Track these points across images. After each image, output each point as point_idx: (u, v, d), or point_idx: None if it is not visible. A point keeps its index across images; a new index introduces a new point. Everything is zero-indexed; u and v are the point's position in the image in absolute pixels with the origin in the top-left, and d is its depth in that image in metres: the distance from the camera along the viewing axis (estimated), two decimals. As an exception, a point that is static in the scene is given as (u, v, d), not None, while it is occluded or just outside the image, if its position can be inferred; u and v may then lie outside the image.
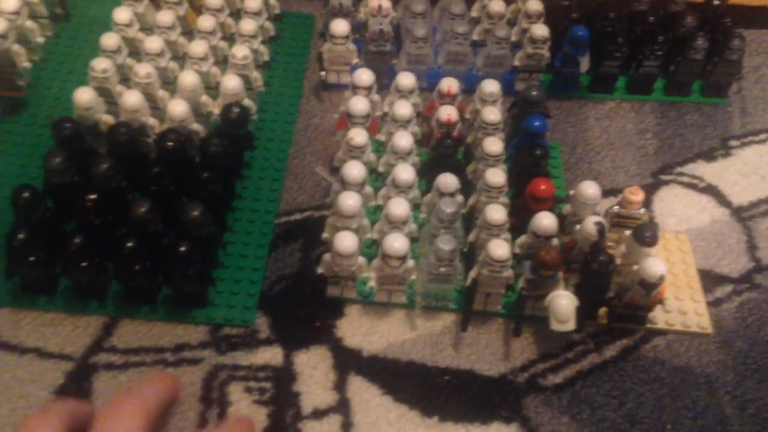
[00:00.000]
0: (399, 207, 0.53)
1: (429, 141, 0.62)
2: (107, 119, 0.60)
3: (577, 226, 0.55)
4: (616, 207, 0.56)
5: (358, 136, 0.58)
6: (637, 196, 0.55)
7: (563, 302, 0.52)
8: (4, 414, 0.48)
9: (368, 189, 0.58)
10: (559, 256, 0.52)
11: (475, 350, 0.54)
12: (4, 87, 0.62)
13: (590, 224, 0.53)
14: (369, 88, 0.62)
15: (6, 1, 0.63)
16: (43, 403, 0.44)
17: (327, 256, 0.53)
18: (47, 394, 0.49)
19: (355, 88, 0.62)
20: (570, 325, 0.52)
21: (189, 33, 0.68)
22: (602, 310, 0.55)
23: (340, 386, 0.51)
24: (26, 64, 0.65)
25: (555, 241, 0.54)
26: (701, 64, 0.70)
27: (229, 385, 0.51)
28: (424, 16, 0.69)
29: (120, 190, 0.54)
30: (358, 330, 0.55)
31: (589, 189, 0.55)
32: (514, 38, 0.70)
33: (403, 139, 0.58)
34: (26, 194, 0.51)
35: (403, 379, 0.52)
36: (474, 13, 0.73)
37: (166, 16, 0.65)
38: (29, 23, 0.66)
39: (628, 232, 0.56)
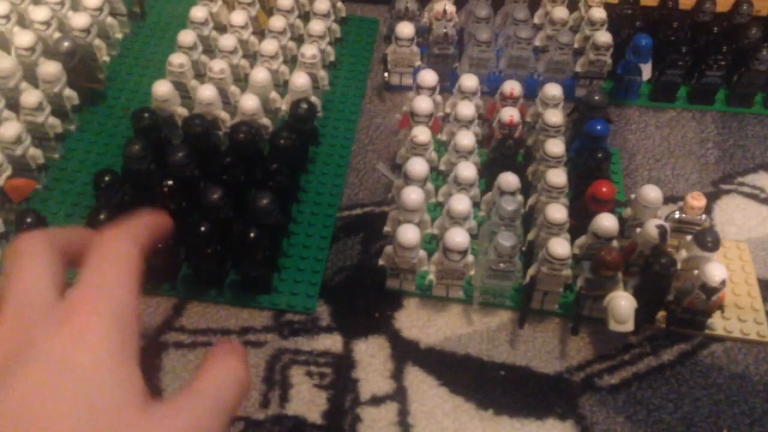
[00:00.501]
0: (461, 203, 0.55)
1: (490, 142, 0.63)
2: (182, 111, 0.62)
3: (638, 230, 0.55)
4: (678, 212, 0.57)
5: (422, 133, 0.59)
6: (700, 201, 0.56)
7: (622, 303, 0.52)
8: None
9: (430, 186, 0.59)
10: (620, 256, 0.52)
11: (532, 347, 0.55)
12: (86, 79, 0.65)
13: (652, 227, 0.53)
14: (432, 89, 0.63)
15: (90, -1, 0.67)
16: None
17: (389, 249, 0.55)
18: (120, 367, 0.51)
19: (419, 89, 0.63)
20: (628, 327, 0.52)
21: (259, 33, 0.70)
22: (661, 314, 0.55)
23: (397, 375, 0.53)
24: (106, 58, 0.69)
25: (615, 244, 0.55)
26: (765, 75, 0.70)
27: (291, 368, 0.52)
28: (488, 21, 0.71)
29: (193, 178, 0.56)
30: (416, 322, 0.56)
31: (651, 192, 0.56)
32: (576, 45, 0.70)
33: (466, 138, 0.59)
34: (107, 177, 0.53)
35: (460, 372, 0.53)
36: (536, 20, 0.75)
37: (239, 16, 0.67)
38: (110, 20, 0.69)
39: (688, 238, 0.56)
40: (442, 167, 0.62)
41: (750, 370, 0.55)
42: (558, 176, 0.57)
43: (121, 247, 0.34)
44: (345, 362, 0.53)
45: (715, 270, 0.51)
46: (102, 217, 0.51)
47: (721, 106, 0.73)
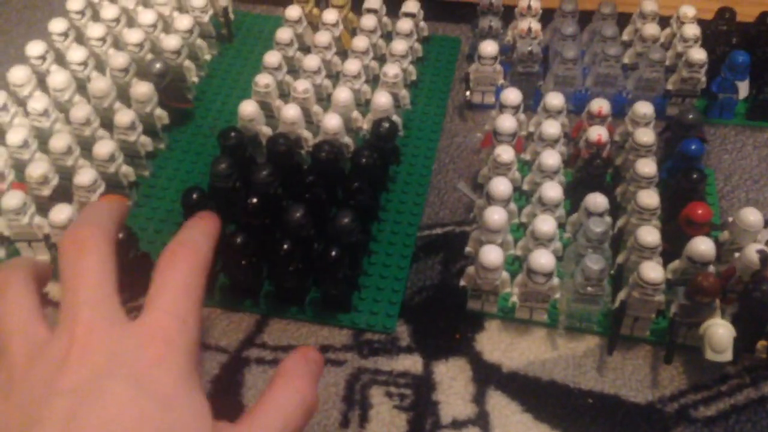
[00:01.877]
0: (546, 224, 0.53)
1: (575, 162, 0.62)
2: (266, 131, 0.63)
3: (736, 254, 0.52)
4: (780, 237, 0.53)
5: (505, 152, 0.58)
6: (804, 225, 0.52)
7: (720, 331, 0.49)
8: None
9: (513, 206, 0.58)
10: (718, 282, 0.49)
11: (621, 375, 0.52)
12: (175, 99, 0.67)
13: (752, 252, 0.50)
14: (516, 108, 0.62)
15: (181, 21, 0.69)
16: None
17: (471, 269, 0.54)
18: (205, 382, 0.52)
19: (502, 107, 0.62)
20: (727, 356, 0.49)
21: (342, 52, 0.71)
22: (761, 344, 0.52)
23: (479, 399, 0.51)
24: (195, 79, 0.71)
25: (711, 269, 0.52)
26: None
27: (371, 389, 0.52)
28: (574, 39, 0.69)
29: (276, 196, 0.57)
30: (498, 345, 0.54)
31: (751, 216, 0.53)
32: (667, 62, 0.68)
33: (551, 158, 0.57)
34: (195, 195, 0.54)
35: (544, 399, 0.51)
36: (625, 37, 0.72)
37: (323, 37, 0.68)
38: (199, 42, 0.71)
39: (792, 264, 0.52)
40: (525, 187, 0.61)
41: None
42: (650, 197, 0.54)
43: (187, 273, 0.36)
44: (425, 384, 0.52)
45: (822, 299, 0.48)
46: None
47: (822, 124, 0.69)
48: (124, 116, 0.60)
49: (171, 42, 0.66)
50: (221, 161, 0.56)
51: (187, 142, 0.68)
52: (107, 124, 0.62)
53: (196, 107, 0.70)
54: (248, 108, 0.61)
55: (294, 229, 0.54)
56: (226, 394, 0.51)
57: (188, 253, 0.37)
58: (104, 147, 0.57)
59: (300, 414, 0.35)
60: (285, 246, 0.52)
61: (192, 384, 0.33)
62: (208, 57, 0.73)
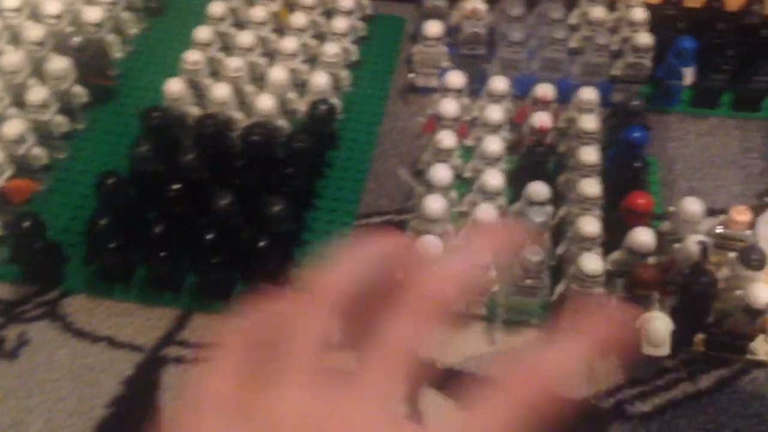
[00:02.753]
0: (486, 213, 0.51)
1: (519, 148, 0.60)
2: (195, 111, 0.60)
3: (677, 245, 0.51)
4: (720, 227, 0.53)
5: (447, 138, 0.56)
6: (744, 216, 0.51)
7: (658, 324, 0.48)
8: (72, 402, 0.48)
9: (453, 194, 0.56)
10: (657, 274, 0.48)
11: (559, 370, 0.51)
12: (96, 75, 0.63)
13: (692, 243, 0.49)
14: (460, 91, 0.60)
15: (104, -8, 0.65)
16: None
17: (407, 261, 0.51)
18: (116, 384, 0.49)
19: (445, 91, 0.60)
20: (664, 350, 0.48)
21: (280, 29, 0.68)
22: (699, 337, 0.51)
23: (412, 398, 0.49)
24: (119, 54, 0.66)
25: (651, 260, 0.51)
26: (817, 81, 0.65)
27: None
28: (520, 21, 0.67)
29: (202, 182, 0.53)
30: (434, 340, 0.52)
31: (692, 206, 0.52)
32: (614, 47, 0.66)
33: (493, 144, 0.55)
34: (111, 180, 0.51)
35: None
36: (572, 20, 0.71)
37: (259, 12, 0.65)
38: (125, 14, 0.67)
39: (731, 255, 0.52)
40: (467, 174, 0.59)
41: (797, 400, 0.50)
42: (591, 186, 0.53)
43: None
44: (358, 381, 0.50)
45: (761, 291, 0.47)
46: (102, 222, 0.49)
47: (767, 113, 0.68)
48: (36, 93, 0.55)
49: (92, 14, 0.62)
50: (142, 143, 0.53)
51: (109, 123, 0.64)
52: (21, 102, 0.57)
53: (120, 85, 0.66)
54: (174, 86, 0.58)
55: (220, 218, 0.51)
56: (140, 397, 0.48)
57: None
58: (13, 127, 0.53)
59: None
60: (209, 236, 0.49)
61: None
62: (134, 31, 0.69)
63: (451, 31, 0.69)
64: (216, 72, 0.63)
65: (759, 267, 0.49)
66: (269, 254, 0.50)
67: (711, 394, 0.50)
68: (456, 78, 0.59)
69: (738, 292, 0.49)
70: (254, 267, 0.50)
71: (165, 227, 0.49)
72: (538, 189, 0.53)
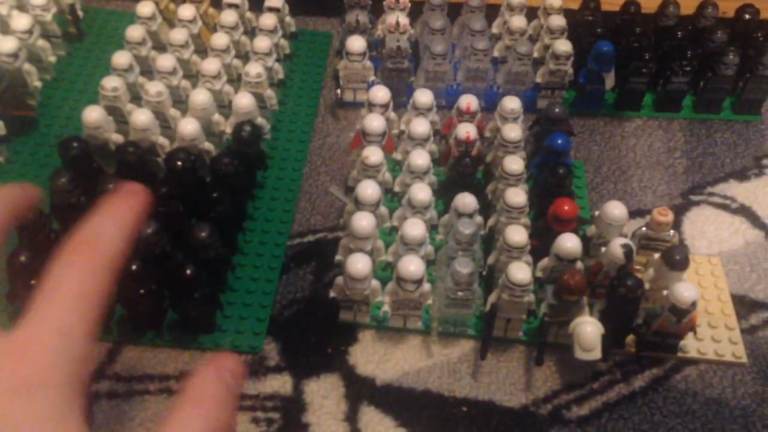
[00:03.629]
0: (415, 228, 0.51)
1: (447, 160, 0.60)
2: (117, 138, 0.58)
3: (603, 249, 0.52)
4: (644, 228, 0.54)
5: (373, 154, 0.56)
6: (667, 216, 0.53)
7: (588, 329, 0.49)
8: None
9: (383, 209, 0.55)
10: (584, 280, 0.49)
11: (495, 379, 0.51)
12: (15, 107, 0.61)
13: (617, 247, 0.50)
14: (385, 106, 0.60)
15: (18, 20, 0.63)
16: None
17: (340, 280, 0.51)
18: (46, 422, 0.47)
19: (371, 106, 0.60)
20: (596, 354, 0.49)
21: (203, 51, 0.67)
22: (630, 338, 0.52)
23: (351, 417, 0.49)
24: (37, 84, 0.65)
25: (579, 265, 0.52)
26: (732, 80, 0.67)
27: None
28: (443, 33, 0.67)
29: (127, 211, 0.52)
30: (372, 357, 0.52)
31: (615, 210, 0.53)
32: (536, 54, 0.67)
33: (420, 158, 0.56)
34: (30, 214, 0.49)
35: (419, 410, 0.50)
36: (494, 30, 0.71)
37: (179, 35, 0.64)
38: (41, 42, 0.65)
39: (656, 255, 0.53)
40: (396, 188, 0.59)
41: (726, 393, 0.51)
42: (517, 195, 0.53)
43: (83, 277, 0.29)
44: (295, 405, 0.49)
45: (685, 291, 0.48)
46: (23, 259, 0.47)
47: (688, 113, 0.70)
48: (-52, 129, 0.53)
49: (6, 44, 0.60)
50: (61, 174, 0.51)
51: (30, 155, 0.62)
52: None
53: (40, 115, 0.64)
54: (93, 114, 0.56)
55: (146, 247, 0.49)
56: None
57: (90, 250, 0.30)
58: None
59: None
60: (134, 266, 0.48)
61: (68, 416, 0.27)
62: (52, 59, 0.67)
63: (376, 45, 0.69)
64: (137, 97, 0.61)
65: (683, 267, 0.50)
66: (198, 282, 0.49)
67: (645, 393, 0.51)
68: (380, 93, 0.59)
69: (664, 292, 0.50)
70: (183, 295, 0.49)
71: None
72: (466, 200, 0.53)
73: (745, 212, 0.63)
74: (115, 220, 0.32)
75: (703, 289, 0.56)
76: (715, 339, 0.54)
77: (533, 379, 0.51)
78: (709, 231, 0.61)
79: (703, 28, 0.69)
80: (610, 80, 0.67)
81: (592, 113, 0.70)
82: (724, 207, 0.63)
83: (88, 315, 0.28)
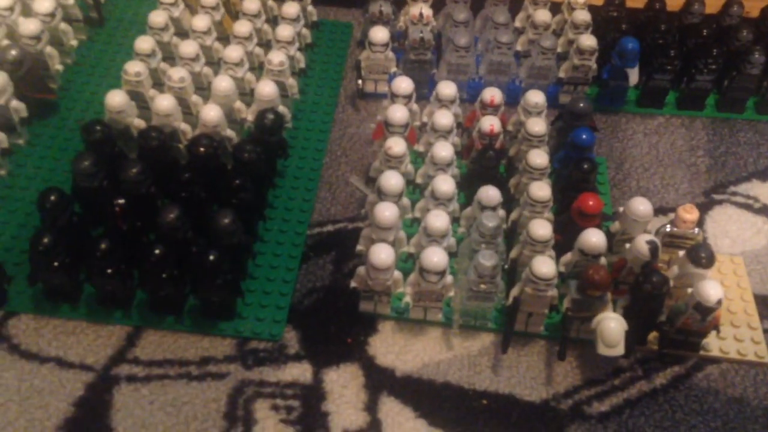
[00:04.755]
0: (438, 220, 0.51)
1: (470, 153, 0.60)
2: (139, 123, 0.58)
3: (627, 245, 0.52)
4: (669, 226, 0.53)
5: (397, 145, 0.55)
6: (692, 214, 0.52)
7: (612, 325, 0.49)
8: (21, 426, 0.46)
9: (405, 201, 0.55)
10: (609, 275, 0.49)
11: (516, 373, 0.51)
12: (36, 89, 0.61)
13: (642, 243, 0.50)
14: (408, 97, 0.59)
15: (41, 3, 0.62)
16: None
17: (361, 270, 0.51)
18: (66, 405, 0.47)
19: (393, 97, 0.59)
20: (619, 350, 0.49)
21: (225, 38, 0.66)
22: (653, 335, 0.52)
23: (371, 407, 0.49)
24: (59, 67, 0.64)
25: (603, 260, 0.51)
26: (757, 79, 0.67)
27: (255, 402, 0.48)
28: (467, 25, 0.67)
29: (149, 196, 0.52)
30: (392, 348, 0.52)
31: (641, 206, 0.52)
32: (559, 49, 0.67)
33: (444, 150, 0.55)
34: (53, 197, 0.49)
35: (439, 402, 0.49)
36: (518, 23, 0.71)
37: (201, 21, 0.63)
38: (63, 26, 0.65)
39: (680, 253, 0.52)
40: (419, 180, 0.58)
41: (748, 393, 0.51)
42: (541, 189, 0.53)
43: None
44: (314, 394, 0.49)
45: (711, 289, 0.48)
46: (46, 240, 0.47)
47: (711, 111, 0.69)
48: (-30, 110, 0.53)
49: (29, 26, 0.60)
50: (84, 158, 0.51)
51: (51, 137, 0.62)
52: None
53: (61, 98, 0.64)
54: (116, 98, 0.56)
55: (168, 232, 0.49)
56: (92, 418, 0.46)
57: None
58: (-55, 145, 0.51)
59: None
60: (157, 251, 0.48)
61: None
62: (74, 43, 0.67)
63: (398, 37, 0.69)
64: (159, 83, 0.61)
65: (708, 265, 0.50)
66: (219, 268, 0.48)
67: (666, 391, 0.51)
68: (403, 84, 0.59)
69: (688, 290, 0.50)
70: (205, 281, 0.49)
71: (111, 243, 0.48)
72: (490, 193, 0.53)
73: (768, 212, 0.62)
74: None
75: (725, 288, 0.56)
76: (737, 338, 0.53)
77: (554, 374, 0.51)
78: (732, 230, 0.61)
79: (728, 27, 0.68)
80: (633, 77, 0.67)
81: (614, 110, 0.69)
82: (746, 207, 0.63)
83: None
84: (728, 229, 0.61)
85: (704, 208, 0.62)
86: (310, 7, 0.71)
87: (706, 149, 0.67)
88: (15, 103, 0.58)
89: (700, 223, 0.60)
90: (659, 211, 0.61)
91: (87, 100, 0.65)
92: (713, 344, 0.53)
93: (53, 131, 0.62)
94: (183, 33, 0.66)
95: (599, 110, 0.68)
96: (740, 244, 0.60)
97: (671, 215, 0.54)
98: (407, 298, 0.52)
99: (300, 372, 0.50)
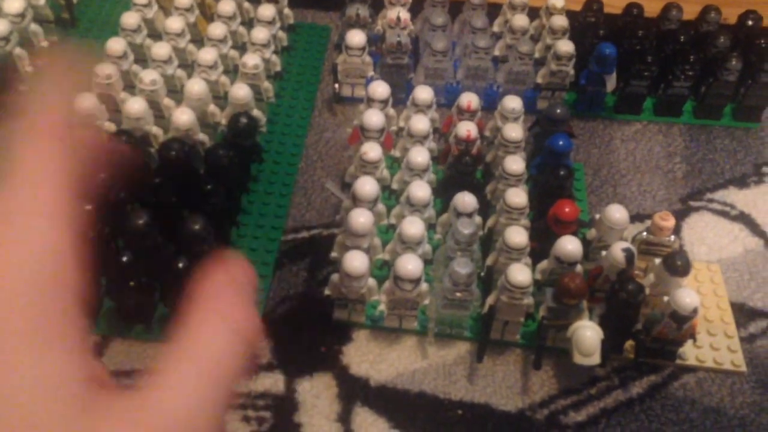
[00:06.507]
0: (413, 226, 0.50)
1: (446, 158, 0.59)
2: (109, 127, 0.57)
3: (603, 253, 0.51)
4: (645, 233, 0.53)
5: (372, 150, 0.54)
6: (668, 221, 0.52)
7: (588, 334, 0.48)
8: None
9: (381, 207, 0.54)
10: (584, 283, 0.48)
11: (491, 383, 0.50)
12: (5, 91, 0.59)
13: (618, 251, 0.49)
14: (384, 102, 0.59)
15: (10, 4, 0.61)
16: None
17: (335, 277, 0.50)
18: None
19: (370, 101, 0.59)
20: (594, 359, 0.48)
21: (199, 41, 0.65)
22: (629, 344, 0.51)
23: (344, 418, 0.48)
24: (29, 69, 0.63)
25: (579, 268, 0.51)
26: (734, 86, 0.67)
27: (225, 414, 0.47)
28: (444, 29, 0.66)
29: (118, 201, 0.51)
30: (366, 357, 0.51)
31: (617, 213, 0.52)
32: (537, 55, 0.66)
33: (420, 155, 0.55)
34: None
35: (413, 412, 0.48)
36: (496, 28, 0.71)
37: (175, 23, 0.62)
38: (33, 27, 0.63)
39: (657, 261, 0.52)
40: (394, 186, 0.58)
41: (725, 402, 0.51)
42: (518, 196, 0.53)
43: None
44: (287, 404, 0.48)
45: (687, 297, 0.47)
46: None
47: (688, 118, 0.69)
48: (-68, 112, 0.52)
49: (-3, 27, 0.59)
50: (51, 163, 0.50)
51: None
52: None
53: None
54: (86, 102, 0.55)
55: (136, 238, 0.48)
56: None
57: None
58: None
59: (234, 351, 0.24)
60: (125, 258, 0.47)
61: (42, 339, 0.21)
62: (45, 44, 0.65)
63: (375, 40, 0.68)
64: (130, 86, 0.60)
65: (684, 272, 0.50)
66: (190, 275, 0.47)
67: (643, 401, 0.51)
68: (380, 88, 0.58)
69: (665, 299, 0.50)
70: (175, 288, 0.48)
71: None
72: (466, 200, 0.52)
73: (744, 219, 0.62)
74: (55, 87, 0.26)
75: (702, 296, 0.55)
76: (714, 347, 0.53)
77: (530, 383, 0.51)
78: (709, 237, 0.61)
79: (705, 33, 0.68)
80: (611, 83, 0.66)
81: (592, 116, 0.69)
82: (723, 214, 0.63)
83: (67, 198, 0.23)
84: (705, 236, 0.61)
85: (681, 215, 0.62)
86: (286, 10, 0.70)
87: (683, 156, 0.67)
88: (-19, 106, 0.56)
89: (676, 229, 0.60)
90: (636, 218, 0.61)
91: (56, 103, 0.63)
92: (690, 353, 0.52)
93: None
94: (156, 35, 0.65)
95: (577, 116, 0.68)
96: (717, 252, 0.60)
97: (648, 222, 0.54)
98: (382, 307, 0.51)
99: (272, 382, 0.49)
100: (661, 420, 0.50)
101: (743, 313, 0.56)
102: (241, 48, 0.66)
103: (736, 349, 0.53)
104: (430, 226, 0.55)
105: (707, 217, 0.62)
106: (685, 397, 0.51)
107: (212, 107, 0.59)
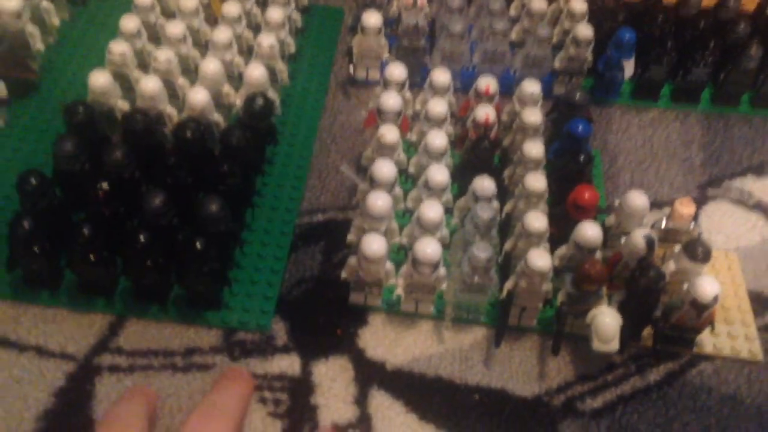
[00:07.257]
0: (432, 210, 0.50)
1: (463, 143, 0.59)
2: (123, 105, 0.56)
3: (623, 239, 0.51)
4: (664, 220, 0.52)
5: (390, 133, 0.54)
6: (689, 208, 0.51)
7: (607, 320, 0.48)
8: (-2, 416, 0.44)
9: (398, 190, 0.54)
10: (604, 269, 0.48)
11: (508, 368, 0.50)
12: (16, 68, 0.59)
13: (639, 237, 0.49)
14: (401, 84, 0.58)
15: (23, -20, 0.60)
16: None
17: (352, 260, 0.50)
18: (46, 396, 0.45)
19: (386, 84, 0.58)
20: (613, 346, 0.48)
21: (212, 20, 0.64)
22: (647, 331, 0.51)
23: (361, 401, 0.48)
24: (40, 46, 0.62)
25: (598, 254, 0.50)
26: (753, 73, 0.66)
27: None
28: (461, 12, 0.66)
29: (133, 181, 0.50)
30: (382, 341, 0.51)
31: (637, 199, 0.51)
32: (554, 39, 0.66)
33: (438, 139, 0.54)
34: (33, 180, 0.47)
35: (430, 396, 0.48)
36: (512, 12, 0.70)
37: (189, 1, 0.61)
38: (45, 4, 0.63)
39: (676, 248, 0.52)
40: (411, 170, 0.57)
41: (742, 390, 0.50)
42: (537, 181, 0.52)
43: None
44: (303, 387, 0.48)
45: (707, 285, 0.47)
46: (26, 224, 0.45)
47: (706, 105, 0.69)
48: (-53, 88, 0.51)
49: (9, 3, 0.58)
50: (66, 140, 0.49)
51: (31, 119, 0.60)
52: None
53: (42, 78, 0.62)
54: (100, 79, 0.54)
55: (153, 218, 0.48)
56: (73, 409, 0.45)
57: (220, 417, 0.37)
58: None
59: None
60: (142, 237, 0.46)
61: None
62: (56, 21, 0.65)
63: (391, 23, 0.67)
64: (145, 64, 0.59)
65: (704, 260, 0.49)
66: (205, 256, 0.47)
67: (660, 388, 0.50)
68: (396, 70, 0.58)
69: (684, 286, 0.49)
70: (191, 269, 0.47)
71: (93, 229, 0.46)
72: (485, 184, 0.52)
73: (763, 208, 0.62)
74: (234, 395, 0.40)
75: (720, 284, 0.55)
76: (731, 335, 0.53)
77: (547, 369, 0.50)
78: (727, 226, 0.60)
79: (725, 20, 0.68)
80: (629, 68, 0.66)
81: (608, 101, 0.68)
82: (741, 202, 0.62)
83: None
84: (723, 224, 0.60)
85: (698, 203, 0.61)
86: (301, -9, 0.69)
87: (700, 143, 0.66)
88: (-6, 83, 0.56)
89: (694, 218, 0.59)
90: (654, 205, 0.60)
91: (69, 81, 0.63)
92: (707, 341, 0.52)
93: (34, 112, 0.60)
94: (170, 13, 0.64)
95: (594, 102, 0.67)
96: (734, 240, 0.59)
97: (665, 209, 0.54)
98: (399, 290, 0.51)
99: (288, 364, 0.49)
100: (678, 407, 0.49)
101: (760, 303, 0.55)
102: (256, 29, 0.65)
103: (753, 338, 0.53)
104: (447, 211, 0.54)
105: (725, 205, 0.62)
106: (703, 384, 0.51)
107: (227, 87, 0.59)
